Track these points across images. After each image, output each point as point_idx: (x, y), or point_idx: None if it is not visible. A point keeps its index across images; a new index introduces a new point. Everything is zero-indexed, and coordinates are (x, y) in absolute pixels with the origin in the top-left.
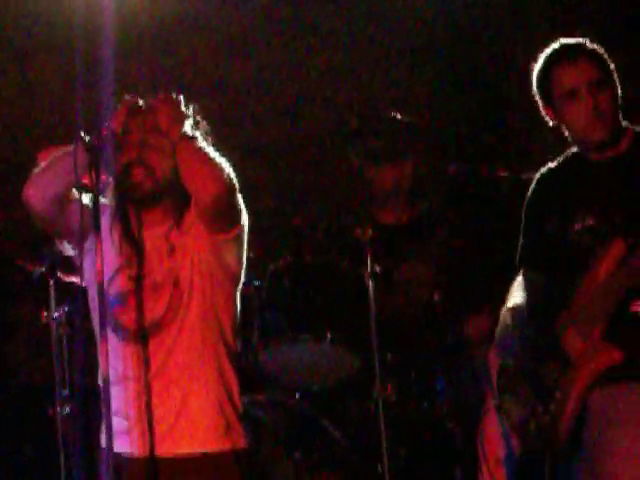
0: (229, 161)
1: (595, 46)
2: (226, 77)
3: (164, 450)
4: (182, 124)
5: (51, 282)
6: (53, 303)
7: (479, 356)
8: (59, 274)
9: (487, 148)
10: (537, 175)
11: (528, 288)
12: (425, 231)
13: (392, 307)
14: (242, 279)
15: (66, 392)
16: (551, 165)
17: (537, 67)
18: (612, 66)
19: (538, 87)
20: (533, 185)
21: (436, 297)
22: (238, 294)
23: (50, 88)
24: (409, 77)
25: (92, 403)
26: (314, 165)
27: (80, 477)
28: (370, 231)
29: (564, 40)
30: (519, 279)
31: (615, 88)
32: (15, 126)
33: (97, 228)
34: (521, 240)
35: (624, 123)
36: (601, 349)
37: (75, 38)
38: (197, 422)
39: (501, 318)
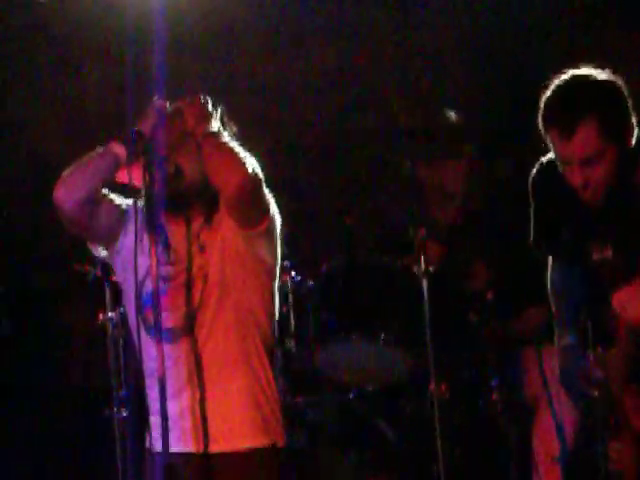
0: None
1: (604, 93)
2: (276, 77)
3: (201, 447)
4: (208, 122)
5: (106, 284)
6: (108, 305)
7: (531, 354)
8: (113, 276)
9: (537, 146)
10: (542, 161)
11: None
12: (479, 230)
13: (446, 306)
14: (277, 273)
15: (122, 393)
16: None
17: (540, 109)
18: (625, 109)
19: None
20: (538, 170)
21: (489, 296)
22: (276, 289)
23: (101, 92)
24: (460, 75)
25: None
26: (367, 165)
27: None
28: (423, 231)
29: (565, 88)
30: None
31: (616, 151)
32: (67, 131)
33: (151, 227)
34: (533, 223)
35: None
36: (633, 415)
37: (125, 43)
38: (232, 418)
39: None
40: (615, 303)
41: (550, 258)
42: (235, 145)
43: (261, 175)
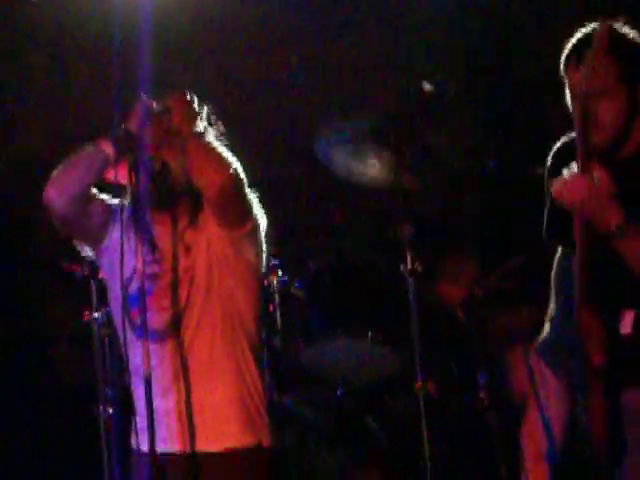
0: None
1: (621, 40)
2: (264, 76)
3: (187, 447)
4: (194, 121)
5: (93, 282)
6: (95, 304)
7: (519, 351)
8: (100, 275)
9: (527, 145)
10: (557, 147)
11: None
12: (467, 227)
13: (433, 303)
14: (262, 271)
15: (109, 392)
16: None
17: (562, 57)
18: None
19: (563, 75)
20: (552, 158)
21: (477, 293)
22: (261, 289)
23: (87, 89)
24: (446, 73)
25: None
26: None
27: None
28: (410, 228)
29: (588, 30)
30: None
31: (627, 93)
32: (53, 128)
33: (137, 226)
34: (546, 212)
35: None
36: (592, 352)
37: (113, 41)
38: (218, 418)
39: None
40: (554, 191)
41: (560, 248)
42: (219, 146)
43: (243, 176)
